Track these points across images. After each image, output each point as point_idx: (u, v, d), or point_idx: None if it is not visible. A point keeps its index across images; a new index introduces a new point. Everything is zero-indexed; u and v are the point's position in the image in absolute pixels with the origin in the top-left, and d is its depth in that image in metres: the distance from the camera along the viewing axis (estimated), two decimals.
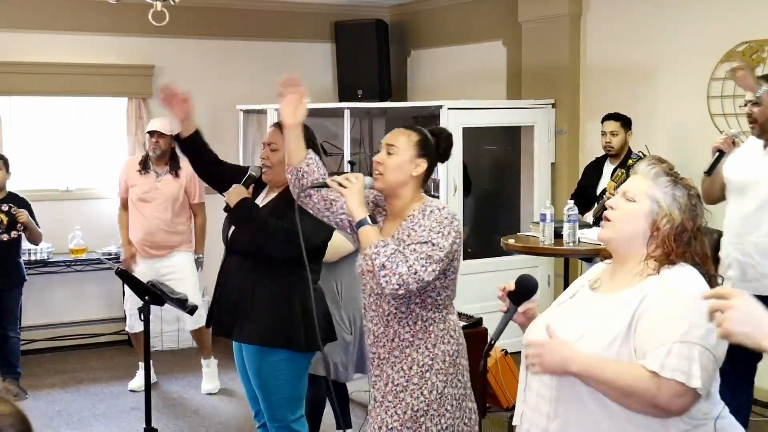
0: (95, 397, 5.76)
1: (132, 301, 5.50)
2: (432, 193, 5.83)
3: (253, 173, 3.63)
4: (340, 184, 2.79)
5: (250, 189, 3.63)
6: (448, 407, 2.84)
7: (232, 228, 3.64)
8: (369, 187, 2.89)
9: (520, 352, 2.30)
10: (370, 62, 7.64)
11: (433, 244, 2.71)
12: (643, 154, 5.16)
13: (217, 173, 3.83)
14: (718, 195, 4.16)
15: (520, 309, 2.34)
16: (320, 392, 4.32)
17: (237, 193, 3.50)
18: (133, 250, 5.79)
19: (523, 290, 2.34)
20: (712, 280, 2.12)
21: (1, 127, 6.72)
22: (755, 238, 3.95)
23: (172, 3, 4.48)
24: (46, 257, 6.63)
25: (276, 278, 3.53)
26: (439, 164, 3.02)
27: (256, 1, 7.64)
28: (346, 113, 6.62)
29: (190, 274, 5.83)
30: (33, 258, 6.55)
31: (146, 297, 3.78)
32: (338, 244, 3.96)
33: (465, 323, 4.33)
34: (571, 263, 5.75)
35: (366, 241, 2.72)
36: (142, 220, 5.73)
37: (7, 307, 5.70)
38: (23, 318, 5.94)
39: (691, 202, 2.15)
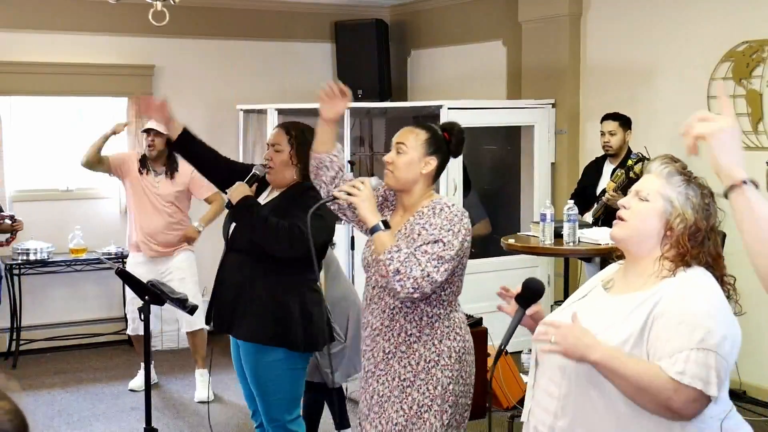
0: (95, 397, 5.76)
1: (133, 305, 5.49)
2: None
3: (257, 172, 3.64)
4: (349, 194, 2.79)
5: (253, 187, 3.63)
6: (451, 403, 2.86)
7: (233, 225, 3.65)
8: (375, 188, 2.91)
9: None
10: (370, 62, 7.63)
11: (444, 243, 2.74)
12: (642, 154, 5.16)
13: (217, 169, 3.83)
14: None
15: (528, 312, 2.35)
16: (318, 392, 4.32)
17: (240, 190, 3.50)
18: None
19: (531, 293, 2.34)
20: (723, 280, 2.12)
21: (1, 127, 6.72)
22: None
23: (172, 3, 4.48)
24: (46, 257, 6.61)
25: (276, 277, 3.52)
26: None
27: (256, 1, 7.64)
28: (346, 113, 6.62)
29: (191, 275, 5.82)
30: (33, 258, 6.54)
31: (146, 297, 3.79)
32: None
33: None
34: (571, 263, 5.75)
35: (381, 246, 2.74)
36: (142, 220, 5.72)
37: None
38: (23, 318, 5.92)
39: (704, 201, 2.14)
